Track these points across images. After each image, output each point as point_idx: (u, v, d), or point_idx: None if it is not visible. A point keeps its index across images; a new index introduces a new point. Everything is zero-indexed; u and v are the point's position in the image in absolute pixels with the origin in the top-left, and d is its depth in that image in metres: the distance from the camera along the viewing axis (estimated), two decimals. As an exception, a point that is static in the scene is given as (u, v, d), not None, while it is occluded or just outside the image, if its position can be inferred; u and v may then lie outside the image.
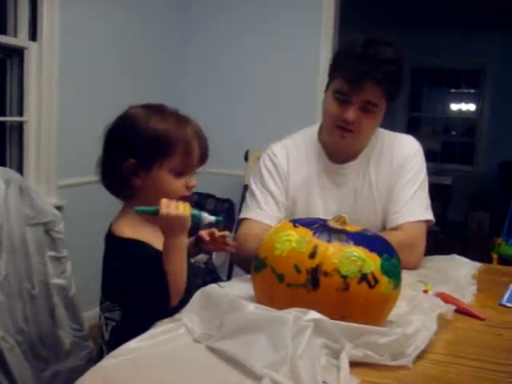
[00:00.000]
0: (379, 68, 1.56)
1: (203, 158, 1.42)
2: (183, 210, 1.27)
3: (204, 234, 1.55)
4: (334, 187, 1.77)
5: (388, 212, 1.74)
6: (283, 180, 1.78)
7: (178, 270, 1.29)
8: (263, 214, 1.73)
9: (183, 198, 1.36)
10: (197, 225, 1.34)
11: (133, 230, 1.34)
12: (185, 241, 1.31)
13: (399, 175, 1.75)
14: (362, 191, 1.76)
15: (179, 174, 1.37)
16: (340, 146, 1.73)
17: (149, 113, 1.37)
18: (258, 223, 1.71)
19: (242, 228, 1.74)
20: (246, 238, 1.66)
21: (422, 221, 1.71)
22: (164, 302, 1.27)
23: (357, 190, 1.76)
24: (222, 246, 1.56)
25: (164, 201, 1.27)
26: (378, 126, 1.76)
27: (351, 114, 1.61)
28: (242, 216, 1.79)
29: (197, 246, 1.57)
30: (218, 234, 1.54)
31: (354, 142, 1.71)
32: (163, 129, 1.34)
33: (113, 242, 1.37)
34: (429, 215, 1.73)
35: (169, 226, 1.27)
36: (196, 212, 1.31)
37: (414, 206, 1.71)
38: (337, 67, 1.68)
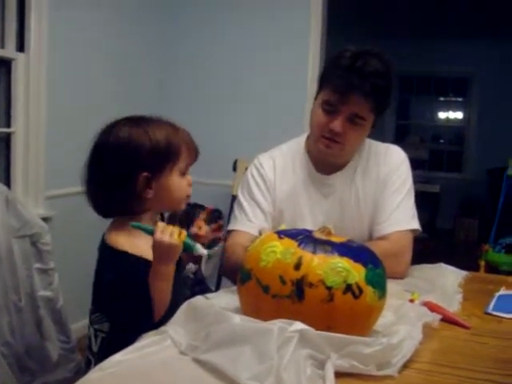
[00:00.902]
0: (366, 80, 1.57)
1: (197, 154, 1.47)
2: (178, 237, 1.25)
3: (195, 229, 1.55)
4: (321, 198, 1.78)
5: (374, 222, 1.75)
6: (270, 191, 1.78)
7: (162, 293, 1.30)
8: (251, 225, 1.73)
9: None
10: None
11: (128, 240, 1.34)
12: (172, 268, 1.30)
13: (385, 185, 1.76)
14: (349, 202, 1.77)
15: (183, 174, 1.42)
16: (326, 156, 1.74)
17: (141, 125, 1.39)
18: (246, 234, 1.71)
19: (231, 239, 1.75)
20: (234, 250, 1.66)
21: (408, 230, 1.72)
22: (148, 317, 1.28)
23: (343, 200, 1.77)
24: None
25: (160, 225, 1.27)
26: (365, 138, 1.77)
27: (338, 124, 1.62)
28: (230, 227, 1.79)
29: None
30: (204, 229, 1.55)
31: (340, 153, 1.71)
32: (166, 136, 1.38)
33: (107, 252, 1.37)
34: (415, 224, 1.74)
35: (159, 251, 1.26)
36: (190, 242, 1.30)
37: (400, 216, 1.72)
38: (325, 78, 1.69)
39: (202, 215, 1.52)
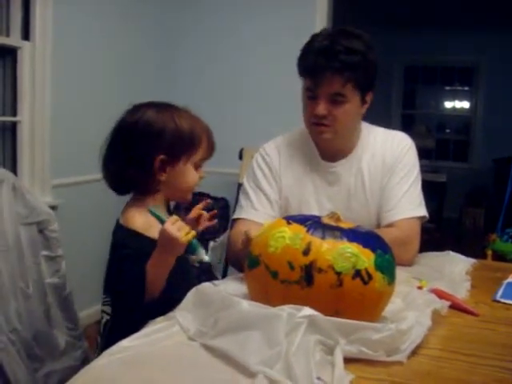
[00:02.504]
0: (335, 58, 1.57)
1: (213, 151, 1.51)
2: (185, 235, 1.26)
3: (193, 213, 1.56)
4: (327, 185, 1.77)
5: (382, 209, 1.74)
6: (276, 179, 1.78)
7: (156, 280, 1.30)
8: (257, 213, 1.73)
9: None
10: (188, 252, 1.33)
11: (144, 221, 1.37)
12: (171, 260, 1.30)
13: (392, 173, 1.75)
14: (356, 189, 1.76)
15: (198, 166, 1.46)
16: (323, 142, 1.74)
17: (168, 110, 1.43)
18: (251, 223, 1.71)
19: (236, 227, 1.75)
20: (239, 238, 1.66)
21: (415, 217, 1.71)
22: (138, 300, 1.29)
23: (350, 188, 1.76)
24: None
25: (173, 218, 1.28)
26: (359, 116, 1.74)
27: (320, 108, 1.63)
28: (235, 216, 1.79)
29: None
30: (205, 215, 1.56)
31: (335, 136, 1.69)
32: (190, 125, 1.42)
33: (121, 232, 1.40)
34: (422, 211, 1.73)
35: (163, 241, 1.27)
36: (195, 243, 1.31)
37: (407, 203, 1.71)
38: (299, 65, 1.69)
39: (201, 204, 1.52)
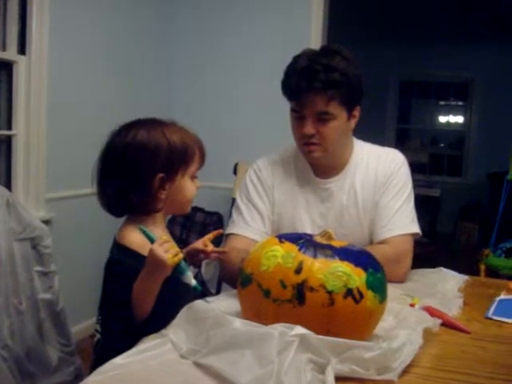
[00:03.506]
0: (316, 78, 1.59)
1: (204, 160, 1.50)
2: (172, 257, 1.24)
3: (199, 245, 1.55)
4: (319, 202, 1.78)
5: (375, 226, 1.75)
6: (268, 195, 1.79)
7: (144, 298, 1.29)
8: (249, 229, 1.74)
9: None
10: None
11: (141, 238, 1.33)
12: (157, 282, 1.28)
13: (385, 190, 1.76)
14: (348, 206, 1.76)
15: (193, 177, 1.45)
16: (315, 161, 1.75)
17: (157, 127, 1.41)
18: (244, 238, 1.72)
19: (228, 243, 1.75)
20: (232, 253, 1.67)
21: (408, 234, 1.72)
22: (123, 318, 1.29)
23: (342, 204, 1.77)
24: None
25: (162, 238, 1.27)
26: (348, 131, 1.75)
27: (307, 128, 1.65)
28: (228, 231, 1.79)
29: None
30: (210, 248, 1.55)
31: (325, 154, 1.70)
32: (181, 139, 1.41)
33: (117, 250, 1.39)
34: (415, 228, 1.74)
35: (150, 262, 1.25)
36: (183, 266, 1.28)
37: (400, 220, 1.72)
38: (283, 88, 1.71)
39: (210, 234, 1.51)
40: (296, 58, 1.68)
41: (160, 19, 4.09)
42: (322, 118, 1.64)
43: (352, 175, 1.78)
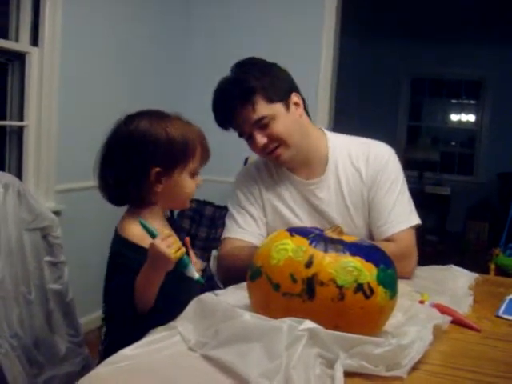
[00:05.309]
0: (233, 94, 1.62)
1: (208, 156, 1.49)
2: (175, 251, 1.23)
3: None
4: (308, 204, 1.77)
5: (374, 225, 1.73)
6: (257, 199, 1.80)
7: (144, 291, 1.29)
8: (243, 231, 1.75)
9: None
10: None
11: (140, 230, 1.33)
12: (160, 276, 1.27)
13: (377, 187, 1.72)
14: (337, 205, 1.74)
15: (193, 174, 1.44)
16: (288, 163, 1.75)
17: (159, 120, 1.41)
18: (238, 241, 1.73)
19: (223, 247, 1.76)
20: (224, 258, 1.68)
21: (409, 228, 1.70)
22: (126, 309, 1.29)
23: (331, 204, 1.75)
24: None
25: (165, 232, 1.26)
26: (299, 120, 1.72)
27: (258, 140, 1.65)
28: (222, 237, 1.81)
29: None
30: None
31: (290, 151, 1.69)
32: (182, 134, 1.40)
33: (118, 241, 1.39)
34: (415, 220, 1.72)
35: (153, 256, 1.25)
36: (186, 260, 1.28)
37: (398, 215, 1.70)
38: (215, 119, 1.71)
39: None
40: (214, 93, 1.69)
41: (173, 12, 4.09)
42: (263, 124, 1.64)
43: (336, 175, 1.75)
